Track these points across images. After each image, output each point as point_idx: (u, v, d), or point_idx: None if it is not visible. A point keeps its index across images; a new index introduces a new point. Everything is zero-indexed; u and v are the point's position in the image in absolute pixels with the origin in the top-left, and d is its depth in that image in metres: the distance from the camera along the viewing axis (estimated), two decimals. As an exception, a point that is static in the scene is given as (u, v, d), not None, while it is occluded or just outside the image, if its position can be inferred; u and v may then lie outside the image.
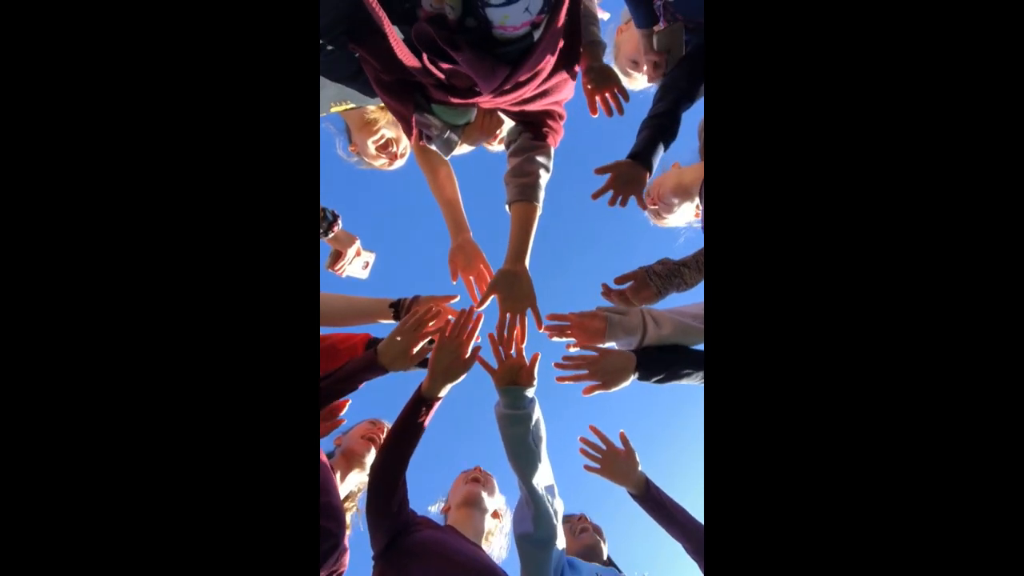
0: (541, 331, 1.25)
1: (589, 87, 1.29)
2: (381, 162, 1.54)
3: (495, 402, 1.20)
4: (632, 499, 1.40)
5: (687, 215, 1.59)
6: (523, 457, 1.14)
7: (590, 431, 1.41)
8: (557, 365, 1.25)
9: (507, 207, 1.25)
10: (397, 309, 1.37)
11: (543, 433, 1.18)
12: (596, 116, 1.31)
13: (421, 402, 1.16)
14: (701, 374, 1.28)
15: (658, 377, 1.29)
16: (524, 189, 1.21)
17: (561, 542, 1.20)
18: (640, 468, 1.39)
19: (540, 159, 1.23)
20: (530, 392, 1.18)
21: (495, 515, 1.44)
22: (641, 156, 1.25)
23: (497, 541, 1.43)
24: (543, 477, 1.17)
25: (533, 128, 1.24)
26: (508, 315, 1.19)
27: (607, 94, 1.28)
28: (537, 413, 1.18)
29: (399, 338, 1.18)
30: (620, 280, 1.24)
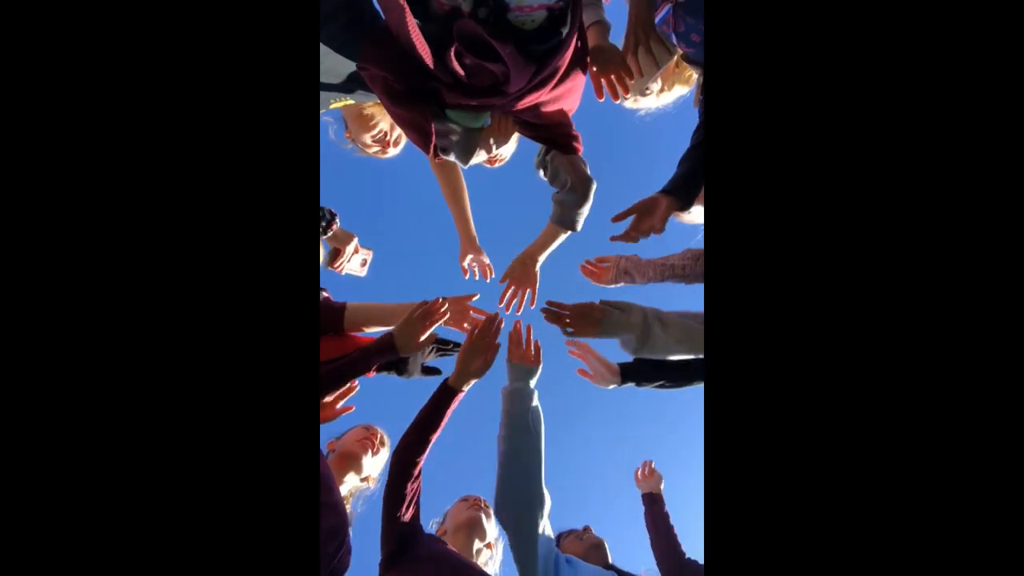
0: (532, 307, 1.42)
1: (595, 69, 1.24)
2: (375, 150, 1.50)
3: (502, 387, 1.33)
4: (642, 501, 1.50)
5: (702, 217, 1.57)
6: (516, 433, 1.24)
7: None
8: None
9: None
10: None
11: (541, 428, 1.27)
12: (601, 100, 1.28)
13: (447, 392, 1.25)
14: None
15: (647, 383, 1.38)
16: (565, 215, 1.32)
17: (549, 532, 1.27)
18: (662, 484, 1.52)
19: (585, 187, 1.30)
20: (534, 376, 1.32)
21: (489, 546, 1.44)
22: (674, 192, 1.25)
23: (488, 569, 1.43)
24: (533, 465, 1.24)
25: (556, 145, 1.28)
26: (512, 289, 1.40)
27: (612, 77, 1.23)
28: (535, 401, 1.30)
29: (409, 324, 1.27)
30: (600, 260, 1.44)
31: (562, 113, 1.21)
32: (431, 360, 1.37)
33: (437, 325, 1.28)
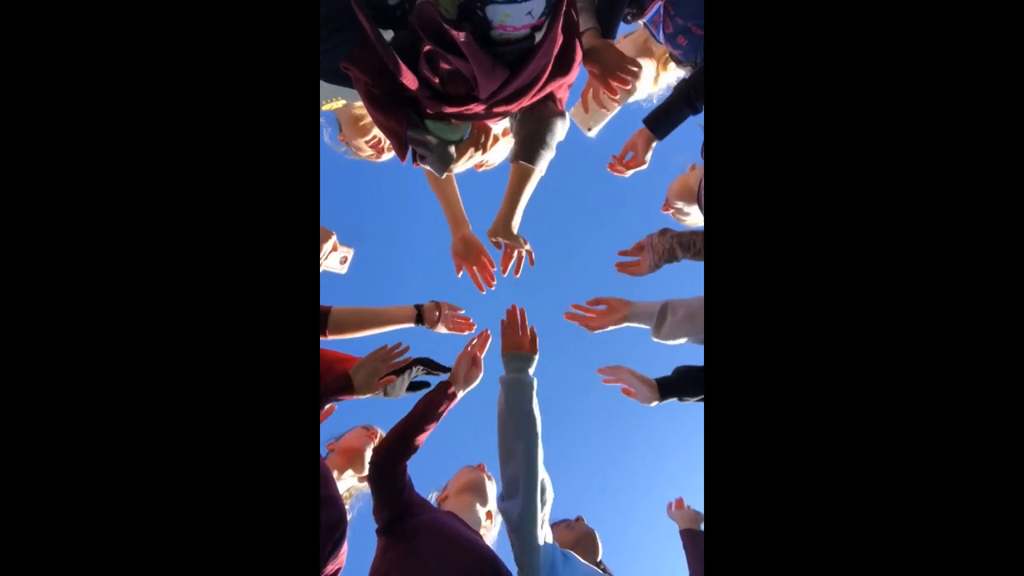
0: (532, 266, 1.26)
1: (597, 73, 1.19)
2: (369, 154, 1.51)
3: (499, 376, 1.29)
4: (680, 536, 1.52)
5: (700, 218, 1.56)
6: (521, 426, 1.18)
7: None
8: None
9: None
10: (420, 313, 1.46)
11: (538, 425, 1.21)
12: (599, 105, 1.27)
13: (444, 393, 1.30)
14: None
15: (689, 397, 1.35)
16: (520, 147, 1.17)
17: (550, 535, 1.25)
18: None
19: (546, 118, 1.16)
20: (531, 364, 1.28)
21: (488, 515, 1.44)
22: (648, 121, 1.28)
23: (487, 540, 1.43)
24: (535, 458, 1.20)
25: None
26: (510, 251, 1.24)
27: (612, 82, 1.17)
28: (534, 390, 1.24)
29: (367, 366, 1.30)
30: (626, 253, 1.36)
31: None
32: (419, 376, 1.40)
33: (396, 368, 1.32)
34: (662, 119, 1.29)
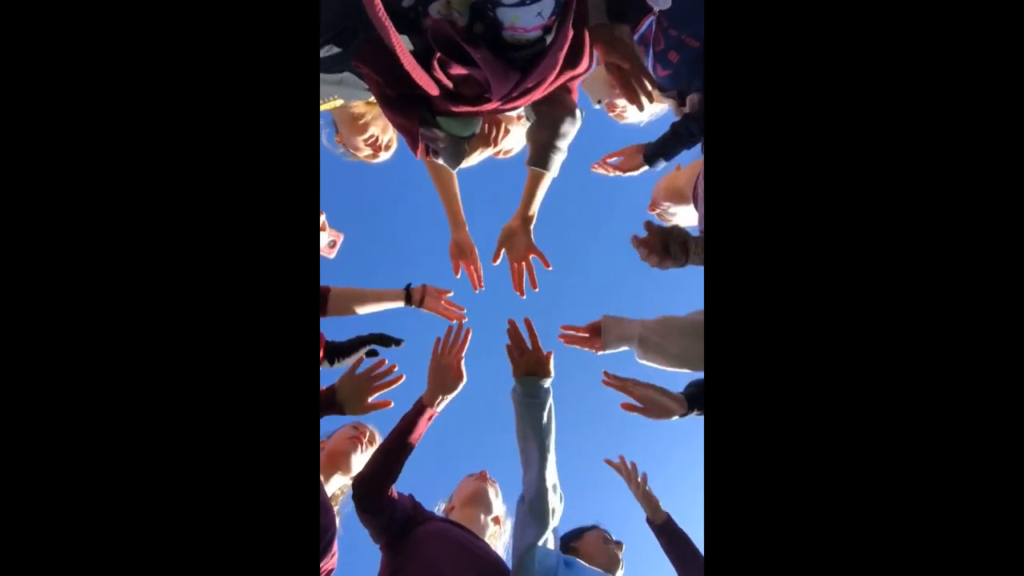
0: (549, 268, 1.30)
1: (623, 67, 1.13)
2: (366, 153, 1.51)
3: (511, 388, 1.27)
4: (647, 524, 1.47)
5: (690, 217, 1.54)
6: (534, 435, 1.20)
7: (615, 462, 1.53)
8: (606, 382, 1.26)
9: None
10: (408, 294, 1.52)
11: (553, 426, 1.22)
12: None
13: (420, 412, 1.22)
14: None
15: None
16: (535, 154, 1.23)
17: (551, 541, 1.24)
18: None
19: (560, 120, 1.22)
20: (546, 383, 1.24)
21: (496, 521, 1.44)
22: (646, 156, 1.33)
23: (495, 546, 1.43)
24: (550, 464, 1.20)
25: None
26: (517, 265, 1.29)
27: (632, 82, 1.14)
28: (551, 403, 1.23)
29: (353, 383, 1.21)
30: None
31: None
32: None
33: (390, 390, 1.22)
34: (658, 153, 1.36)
